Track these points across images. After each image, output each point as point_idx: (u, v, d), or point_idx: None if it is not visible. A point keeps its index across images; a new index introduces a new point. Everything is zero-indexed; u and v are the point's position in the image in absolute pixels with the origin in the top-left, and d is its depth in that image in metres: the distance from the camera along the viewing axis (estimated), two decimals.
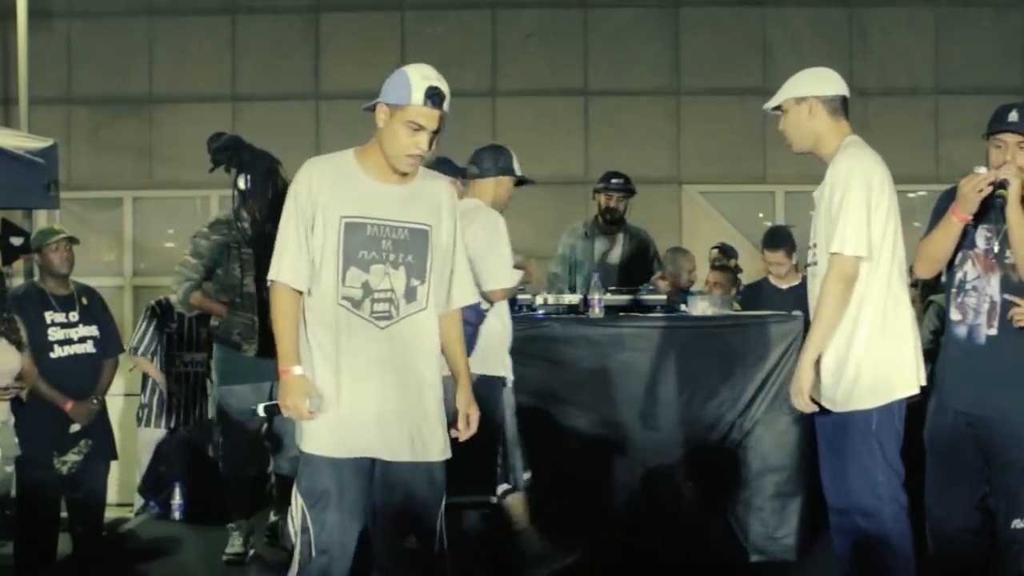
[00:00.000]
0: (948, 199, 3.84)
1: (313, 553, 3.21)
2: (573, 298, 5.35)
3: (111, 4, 10.51)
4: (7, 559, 5.29)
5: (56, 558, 5.28)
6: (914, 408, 3.64)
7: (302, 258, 3.26)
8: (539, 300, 5.39)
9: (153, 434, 6.77)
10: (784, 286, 6.12)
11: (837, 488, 3.63)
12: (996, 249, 3.77)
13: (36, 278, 5.58)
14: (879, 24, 10.30)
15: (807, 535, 5.07)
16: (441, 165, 5.71)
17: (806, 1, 10.33)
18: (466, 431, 3.46)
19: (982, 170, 3.73)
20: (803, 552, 5.09)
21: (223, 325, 5.21)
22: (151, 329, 6.75)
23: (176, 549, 5.72)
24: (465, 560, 4.37)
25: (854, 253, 3.45)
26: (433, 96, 3.19)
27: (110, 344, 5.50)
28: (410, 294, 3.28)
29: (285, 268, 3.27)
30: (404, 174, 3.30)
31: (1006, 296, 3.73)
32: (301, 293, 3.28)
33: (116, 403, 6.80)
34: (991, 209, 3.75)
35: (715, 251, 8.02)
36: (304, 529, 3.22)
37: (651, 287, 5.81)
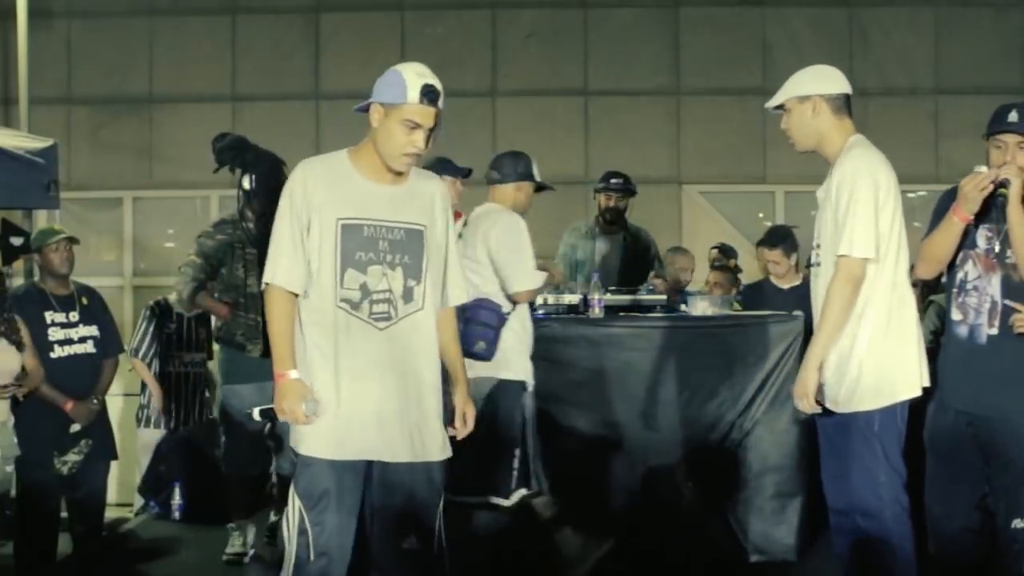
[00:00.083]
0: (949, 199, 3.83)
1: (312, 555, 3.20)
2: (573, 298, 5.35)
3: (111, 4, 10.51)
4: (7, 559, 5.28)
5: (56, 558, 5.28)
6: (914, 408, 3.63)
7: (298, 260, 3.24)
8: (539, 300, 5.39)
9: (153, 434, 6.78)
10: (785, 286, 6.12)
11: (838, 488, 3.63)
12: (997, 249, 3.77)
13: (36, 278, 5.58)
14: (879, 24, 10.30)
15: (807, 535, 5.07)
16: (441, 165, 5.74)
17: (806, 1, 10.32)
18: (464, 429, 3.46)
19: (983, 169, 3.72)
20: (803, 552, 5.09)
21: (225, 326, 5.22)
22: (151, 330, 6.75)
23: (176, 549, 5.72)
24: (470, 560, 4.39)
25: (862, 255, 3.44)
26: (429, 94, 3.19)
27: (110, 344, 5.50)
28: (407, 295, 3.27)
29: (281, 271, 3.25)
30: (399, 174, 3.29)
31: (1007, 302, 3.72)
32: (297, 296, 3.27)
33: (116, 403, 6.80)
34: (992, 209, 3.75)
35: (715, 251, 8.02)
36: (302, 531, 3.21)
37: (651, 287, 5.81)
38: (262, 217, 5.05)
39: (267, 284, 3.28)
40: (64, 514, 5.45)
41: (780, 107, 3.69)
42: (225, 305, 5.22)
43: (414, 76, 3.21)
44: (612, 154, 9.09)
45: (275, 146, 5.35)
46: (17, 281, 6.35)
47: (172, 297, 6.80)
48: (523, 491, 4.54)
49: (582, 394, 5.12)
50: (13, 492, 5.06)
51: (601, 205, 6.64)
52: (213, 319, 6.86)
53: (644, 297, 5.56)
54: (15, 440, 4.67)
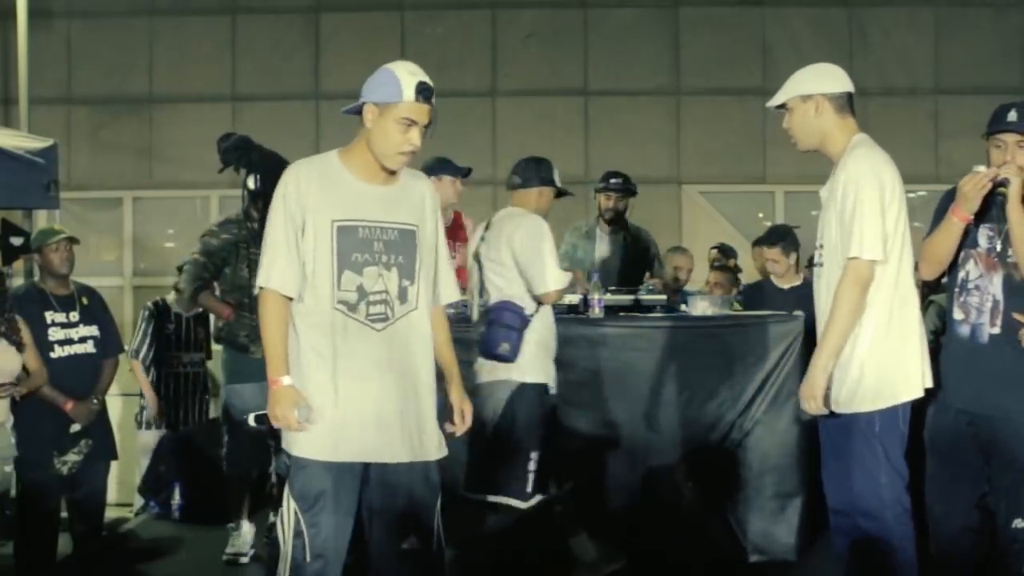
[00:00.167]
0: (949, 200, 3.83)
1: (308, 557, 3.20)
2: (573, 298, 5.35)
3: (111, 4, 10.52)
4: (7, 559, 5.28)
5: (56, 558, 5.27)
6: (915, 408, 3.62)
7: (292, 263, 3.23)
8: None
9: (152, 435, 6.78)
10: (785, 286, 6.12)
11: (839, 489, 3.62)
12: (999, 248, 3.76)
13: (36, 278, 5.58)
14: (879, 24, 10.31)
15: (807, 535, 5.07)
16: (441, 165, 5.75)
17: (806, 1, 10.33)
18: (463, 426, 3.46)
19: (981, 169, 3.72)
20: (803, 552, 5.09)
21: (227, 327, 5.22)
22: (149, 331, 6.75)
23: (176, 549, 5.72)
24: (471, 560, 4.40)
25: (871, 257, 3.42)
26: (424, 91, 3.19)
27: (110, 344, 5.50)
28: (403, 295, 3.27)
29: (276, 274, 3.23)
30: (391, 174, 3.29)
31: (1015, 315, 3.71)
32: (291, 299, 3.25)
33: (115, 403, 6.80)
34: (993, 208, 3.75)
35: (714, 251, 8.03)
36: (298, 533, 3.20)
37: (651, 287, 5.81)
38: (266, 217, 5.05)
39: (262, 288, 3.26)
40: (64, 514, 5.45)
41: (782, 106, 3.65)
42: (227, 306, 5.22)
43: (407, 75, 3.21)
44: (612, 154, 9.10)
45: (275, 146, 5.36)
46: (17, 281, 6.35)
47: (170, 297, 6.84)
48: (540, 497, 4.52)
49: (582, 394, 5.12)
50: (13, 492, 5.06)
51: (601, 205, 6.64)
52: (212, 319, 6.88)
53: (644, 297, 5.56)
54: (13, 441, 4.68)
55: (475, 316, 4.71)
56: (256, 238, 5.10)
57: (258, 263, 4.96)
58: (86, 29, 10.54)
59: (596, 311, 5.20)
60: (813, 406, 3.50)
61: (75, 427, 5.21)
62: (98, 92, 10.47)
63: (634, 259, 6.59)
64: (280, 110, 10.11)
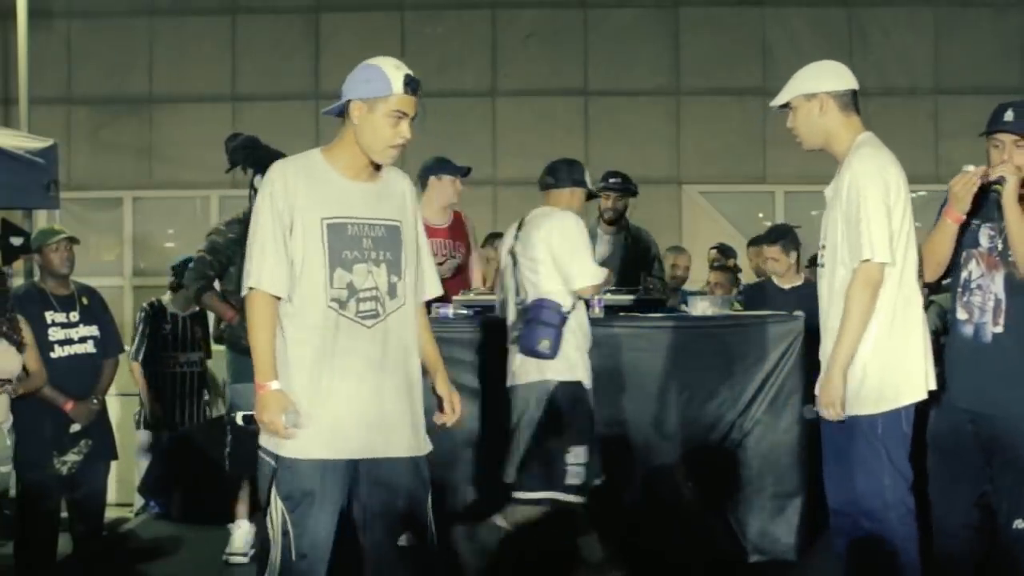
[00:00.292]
0: None
1: (295, 556, 3.19)
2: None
3: (111, 4, 10.53)
4: (7, 559, 5.28)
5: (56, 558, 5.27)
6: (919, 408, 3.61)
7: (281, 263, 3.19)
8: None
9: (145, 434, 6.79)
10: (787, 286, 6.12)
11: (840, 490, 3.61)
12: (1000, 247, 3.76)
13: (36, 278, 5.58)
14: (878, 24, 10.32)
15: (807, 535, 5.06)
16: (441, 165, 5.75)
17: (806, 1, 10.34)
18: (452, 416, 3.45)
19: (970, 168, 3.72)
20: (803, 552, 5.08)
21: (230, 329, 5.22)
22: (146, 332, 6.76)
23: (176, 549, 5.72)
24: (471, 560, 4.41)
25: (881, 260, 3.41)
26: (411, 83, 3.19)
27: (110, 344, 5.50)
28: (392, 291, 3.26)
29: (266, 275, 3.19)
30: (377, 169, 3.29)
31: None
32: (278, 299, 3.22)
33: (115, 403, 6.80)
34: (994, 207, 3.75)
35: (713, 251, 8.03)
36: (285, 532, 3.18)
37: (651, 287, 5.81)
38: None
39: (251, 289, 3.22)
40: (64, 514, 5.45)
41: (785, 106, 3.63)
42: (231, 308, 5.21)
43: (394, 68, 3.21)
44: (612, 154, 9.10)
45: (275, 146, 5.36)
46: (17, 281, 6.35)
47: (166, 298, 6.84)
48: (597, 481, 4.64)
49: None
50: (12, 492, 5.06)
51: (601, 205, 6.63)
52: (213, 318, 6.88)
53: (644, 297, 5.56)
54: (9, 443, 4.67)
55: (511, 315, 4.75)
56: None
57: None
58: (86, 29, 10.54)
59: (596, 311, 5.19)
60: (833, 413, 3.47)
61: (75, 427, 5.21)
62: (98, 92, 10.48)
63: (634, 259, 6.59)
64: (280, 110, 10.11)
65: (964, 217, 3.74)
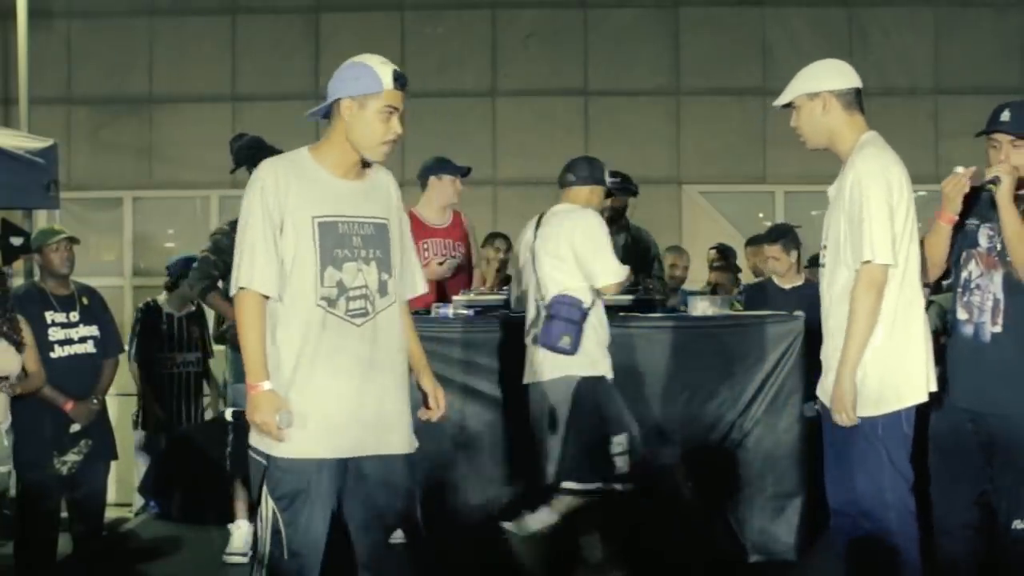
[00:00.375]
0: None
1: (286, 555, 3.18)
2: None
3: (111, 4, 10.53)
4: (7, 559, 5.28)
5: (56, 558, 5.27)
6: (919, 408, 3.60)
7: (272, 262, 3.18)
8: None
9: (139, 434, 6.79)
10: (787, 286, 6.11)
11: (840, 490, 3.60)
12: (999, 247, 3.76)
13: (36, 278, 5.58)
14: (879, 24, 10.32)
15: (807, 535, 5.07)
16: (441, 165, 5.75)
17: (806, 1, 10.35)
18: (438, 411, 3.45)
19: (960, 169, 3.73)
20: (803, 552, 5.08)
21: (231, 329, 5.21)
22: (140, 332, 6.75)
23: (176, 549, 5.73)
24: (472, 559, 4.40)
25: (884, 261, 3.40)
26: (400, 78, 3.21)
27: (110, 344, 5.50)
28: (382, 288, 3.27)
29: (257, 275, 3.17)
30: (365, 167, 3.30)
31: None
32: (268, 299, 3.21)
33: (114, 403, 6.80)
34: (991, 207, 3.75)
35: (713, 252, 8.03)
36: (276, 531, 3.17)
37: (651, 287, 5.81)
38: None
39: (242, 288, 3.20)
40: (64, 514, 5.45)
41: (788, 105, 3.62)
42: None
43: (381, 64, 3.23)
44: (612, 154, 9.02)
45: (276, 146, 5.36)
46: (17, 281, 6.35)
47: (161, 298, 6.84)
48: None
49: None
50: (12, 492, 5.06)
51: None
52: (214, 317, 6.89)
53: (644, 297, 5.56)
54: (7, 443, 4.67)
55: (531, 311, 4.78)
56: None
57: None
58: (86, 29, 10.54)
59: None
60: (846, 419, 3.45)
61: (75, 427, 5.21)
62: (98, 92, 10.48)
63: (634, 260, 6.57)
64: (280, 110, 10.09)
65: (956, 218, 3.75)
